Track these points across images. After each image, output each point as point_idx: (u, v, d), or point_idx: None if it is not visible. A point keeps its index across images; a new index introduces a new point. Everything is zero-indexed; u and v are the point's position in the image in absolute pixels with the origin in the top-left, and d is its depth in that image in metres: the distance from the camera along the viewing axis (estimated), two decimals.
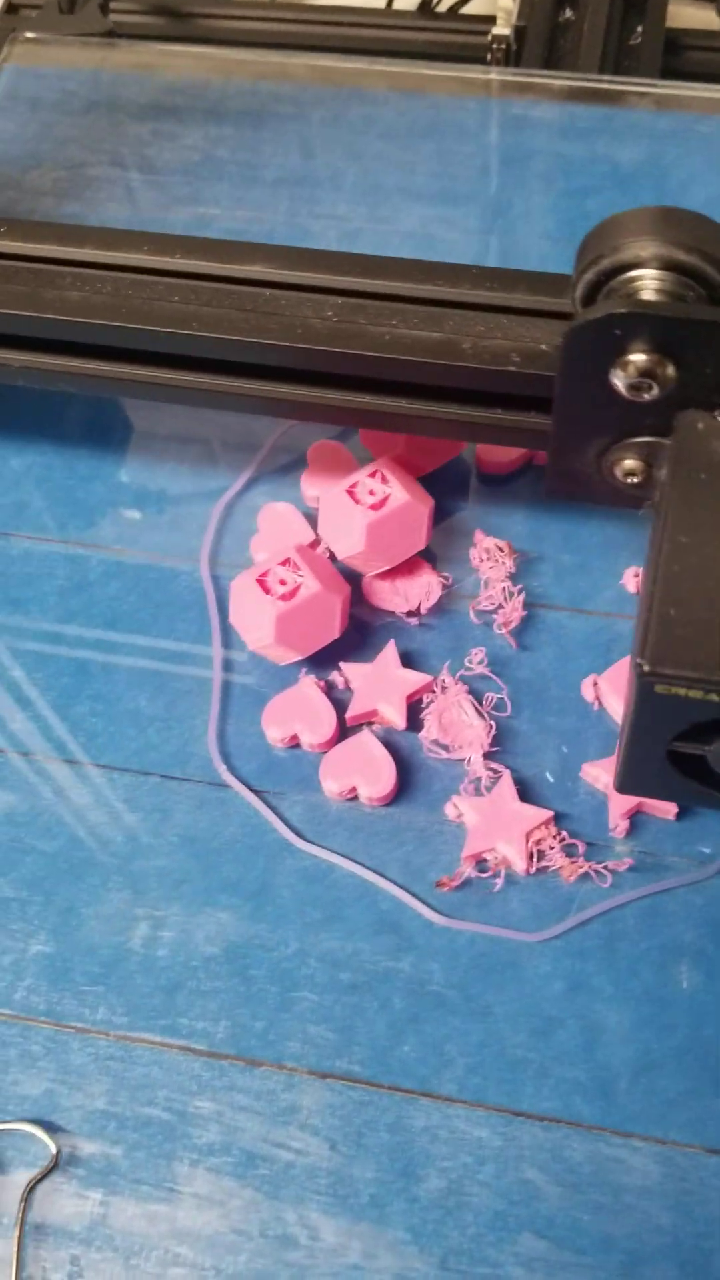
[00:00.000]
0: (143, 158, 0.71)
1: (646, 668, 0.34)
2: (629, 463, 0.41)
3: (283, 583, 0.49)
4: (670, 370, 0.37)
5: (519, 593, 0.53)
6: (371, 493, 0.51)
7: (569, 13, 0.80)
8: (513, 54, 0.77)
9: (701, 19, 0.85)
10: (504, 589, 0.53)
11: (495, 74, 0.72)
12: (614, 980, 0.45)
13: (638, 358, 0.37)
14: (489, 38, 0.77)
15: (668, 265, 0.38)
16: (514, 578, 0.53)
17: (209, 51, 0.77)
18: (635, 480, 0.41)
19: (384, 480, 0.51)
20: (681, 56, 0.79)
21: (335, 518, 0.51)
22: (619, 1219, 0.41)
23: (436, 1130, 0.43)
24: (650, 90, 0.70)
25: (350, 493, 0.51)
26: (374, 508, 0.50)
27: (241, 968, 0.46)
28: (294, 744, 0.50)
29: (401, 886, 0.47)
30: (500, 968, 0.45)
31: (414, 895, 0.47)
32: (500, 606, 0.52)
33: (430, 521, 0.52)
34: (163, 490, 0.58)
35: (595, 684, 0.50)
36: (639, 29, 0.80)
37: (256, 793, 0.49)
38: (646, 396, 0.38)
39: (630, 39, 0.79)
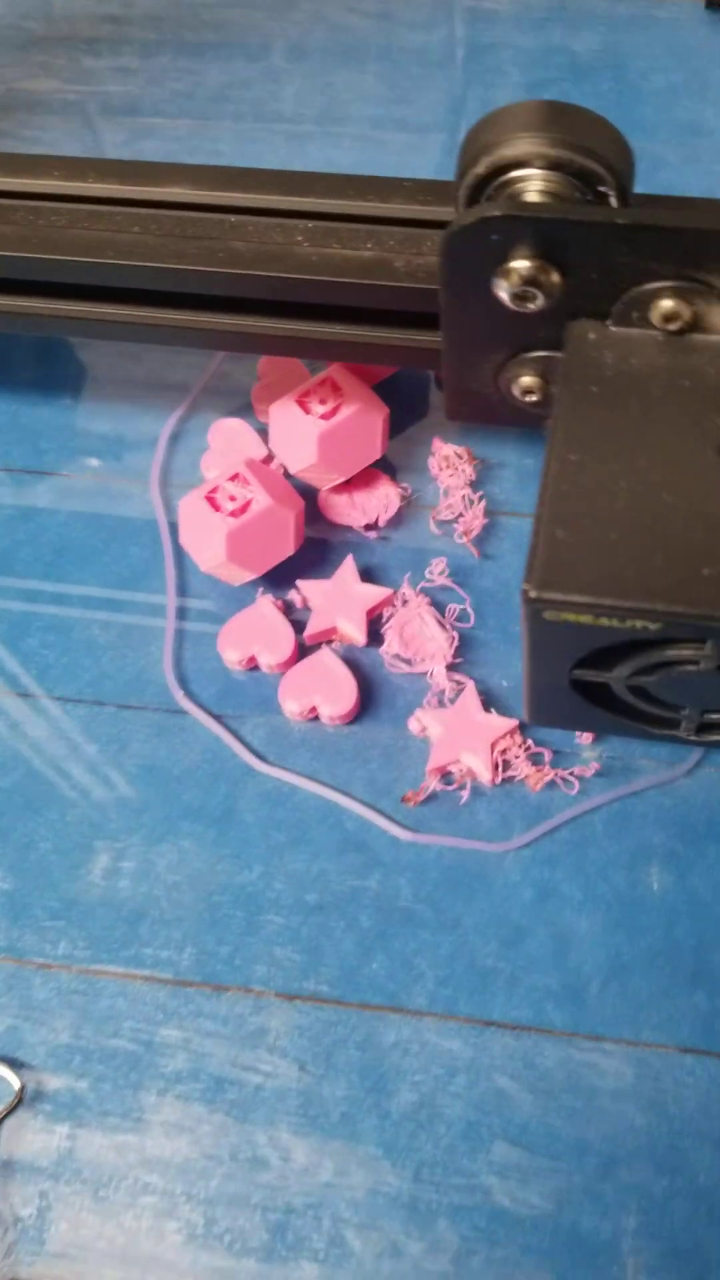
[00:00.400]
0: (79, 69, 0.69)
1: (533, 594, 0.33)
2: (526, 379, 0.40)
3: (232, 499, 0.48)
4: (555, 277, 0.36)
5: (480, 500, 0.52)
6: (322, 401, 0.50)
7: None
8: None
9: None
10: (464, 497, 0.52)
11: None
12: (583, 886, 0.45)
13: (520, 264, 0.36)
14: None
15: (553, 165, 0.37)
16: (474, 485, 0.53)
17: None
18: (534, 398, 0.40)
19: (335, 389, 0.50)
20: None
21: (286, 430, 0.50)
22: (593, 1122, 0.41)
23: (407, 1045, 0.43)
24: None
25: (301, 403, 0.50)
26: (325, 417, 0.50)
27: (205, 894, 0.46)
28: (253, 666, 0.49)
29: (367, 804, 0.47)
30: (469, 879, 0.45)
31: (380, 812, 0.46)
32: (461, 515, 0.52)
33: (385, 430, 0.51)
34: (111, 410, 0.57)
35: None
36: None
37: (216, 717, 0.49)
38: (532, 306, 0.37)
39: None
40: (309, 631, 0.49)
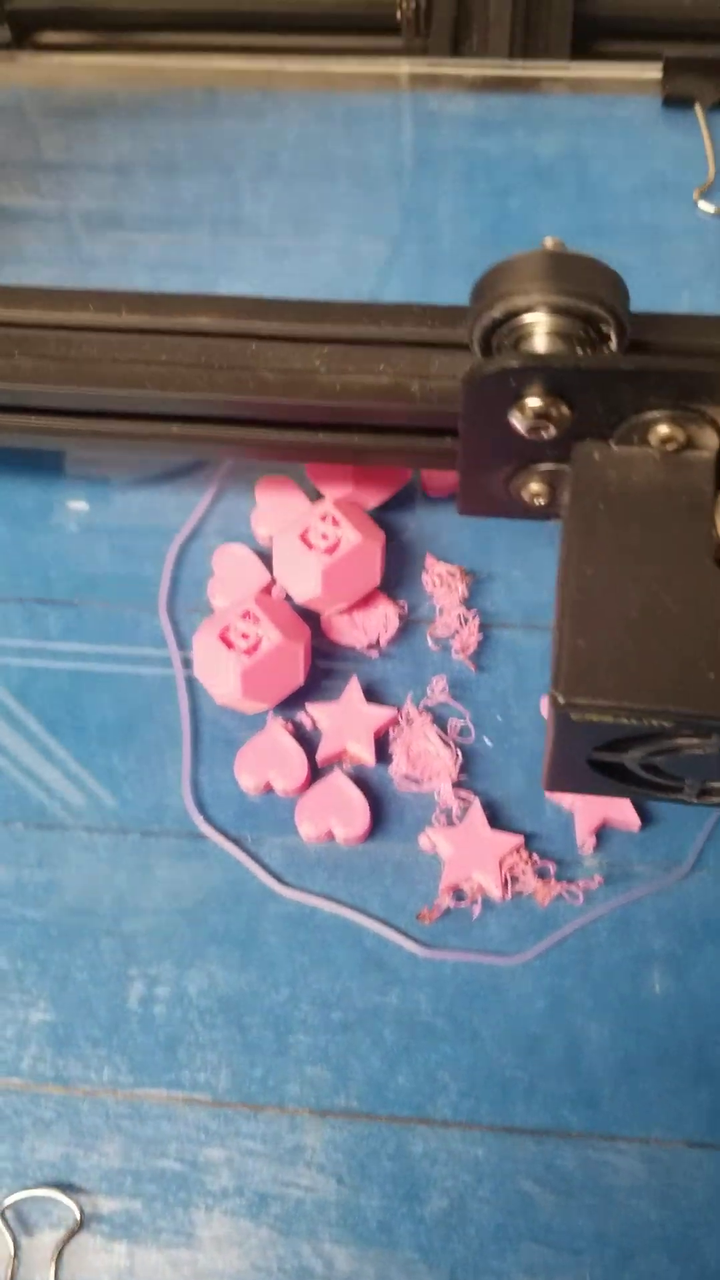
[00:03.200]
0: (58, 182, 0.74)
1: (562, 700, 0.38)
2: (534, 486, 0.46)
3: (245, 636, 0.53)
4: (564, 410, 0.42)
5: (474, 617, 0.58)
6: (324, 536, 0.55)
7: None
8: (421, 13, 0.80)
9: None
10: (459, 615, 0.57)
11: (404, 67, 0.76)
12: (592, 993, 0.50)
13: (533, 402, 0.42)
14: None
15: (557, 310, 0.43)
16: (468, 600, 0.58)
17: (116, 61, 0.80)
18: (542, 501, 0.46)
19: (335, 523, 0.55)
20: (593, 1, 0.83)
21: (290, 563, 0.56)
22: (611, 1217, 0.47)
23: (435, 1153, 0.48)
24: (563, 74, 0.74)
25: (303, 538, 0.55)
26: (328, 551, 0.55)
27: (236, 1017, 0.51)
28: (268, 789, 0.54)
29: (384, 921, 0.52)
30: (484, 992, 0.51)
31: (396, 929, 0.52)
32: (456, 633, 0.57)
33: (383, 556, 0.57)
34: (115, 537, 0.62)
35: None
36: None
37: (235, 841, 0.54)
38: (544, 435, 0.43)
39: None
40: (320, 754, 0.55)
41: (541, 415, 0.42)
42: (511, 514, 0.48)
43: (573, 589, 0.39)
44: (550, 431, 0.43)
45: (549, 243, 0.44)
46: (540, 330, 0.44)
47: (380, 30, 0.82)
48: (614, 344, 0.45)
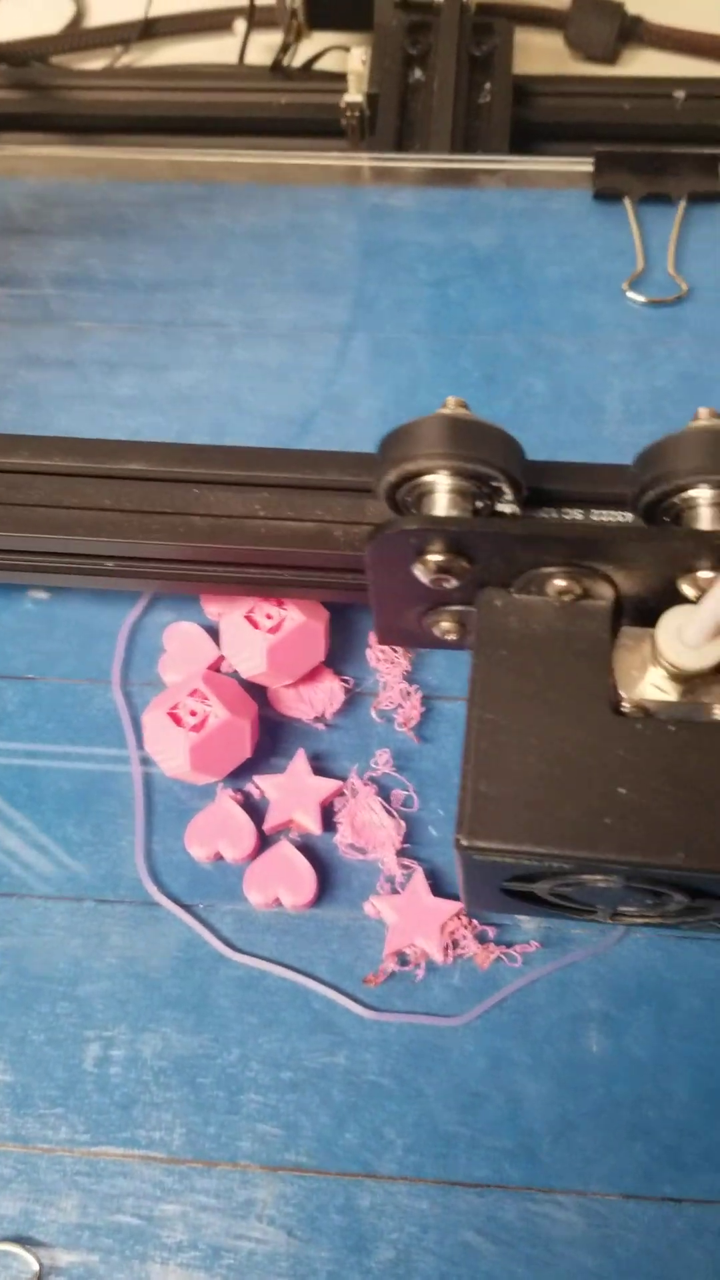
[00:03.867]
0: (11, 271, 0.78)
1: (464, 842, 0.41)
2: (445, 624, 0.49)
3: (193, 713, 0.56)
4: (464, 564, 0.45)
5: (415, 691, 0.61)
6: (269, 616, 0.58)
7: (419, 73, 0.88)
8: (366, 120, 0.85)
9: (546, 46, 0.94)
10: (401, 690, 0.61)
11: (349, 160, 0.80)
12: (531, 1052, 0.53)
13: (434, 557, 0.45)
14: (342, 104, 0.85)
15: (456, 473, 0.46)
16: (411, 675, 0.61)
17: (65, 153, 0.84)
18: (453, 637, 0.50)
19: (280, 604, 0.59)
20: (532, 105, 0.88)
21: (237, 641, 0.59)
22: (550, 1267, 0.50)
23: (382, 1206, 0.51)
24: (500, 167, 0.79)
25: (249, 618, 0.58)
26: (272, 630, 0.58)
27: (190, 1077, 0.53)
28: (219, 858, 0.57)
29: (331, 985, 0.55)
30: (428, 1052, 0.53)
31: (343, 993, 0.54)
32: (399, 706, 0.61)
33: (327, 633, 0.60)
34: (69, 614, 0.65)
35: None
36: (487, 86, 0.88)
37: (186, 908, 0.57)
38: (446, 585, 0.46)
39: (479, 96, 0.88)
40: (268, 824, 0.58)
41: (443, 569, 0.45)
42: (427, 645, 0.52)
43: (475, 734, 0.42)
44: (451, 583, 0.46)
45: (451, 402, 0.47)
46: (441, 489, 0.47)
47: (327, 134, 0.87)
48: (510, 501, 0.48)
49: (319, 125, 0.88)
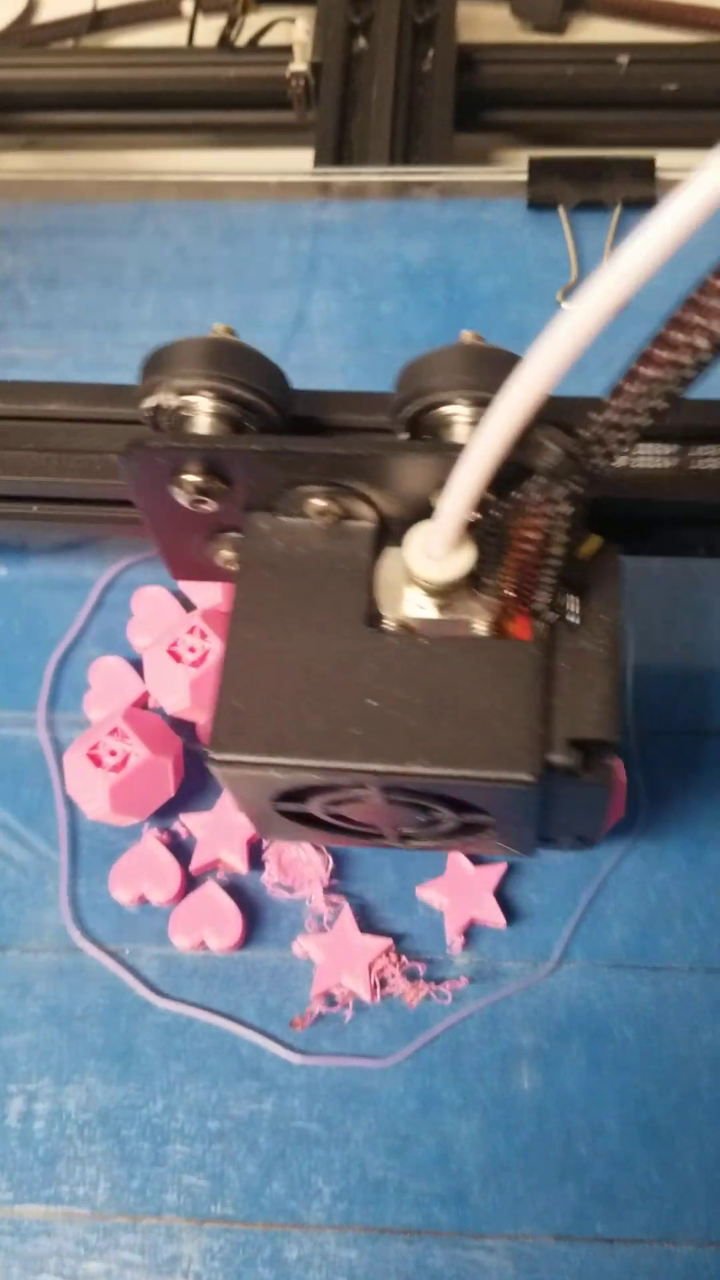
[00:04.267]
0: None
1: (214, 755, 0.41)
2: (225, 553, 0.48)
3: (112, 753, 0.55)
4: (221, 485, 0.44)
5: None
6: (192, 649, 0.57)
7: (362, 42, 0.88)
8: (311, 89, 0.87)
9: (492, 18, 0.93)
10: None
11: (281, 176, 0.79)
12: (461, 1091, 0.52)
13: (190, 478, 0.44)
14: (287, 74, 0.86)
15: (218, 395, 0.46)
16: None
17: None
18: (235, 567, 0.48)
19: (203, 635, 0.57)
20: (476, 72, 0.88)
21: (160, 676, 0.58)
22: None
23: (310, 1257, 0.50)
24: (434, 178, 0.77)
25: (171, 651, 0.57)
26: (195, 664, 0.57)
27: (114, 1129, 0.52)
28: (144, 901, 0.56)
29: (259, 1030, 0.54)
30: (357, 1094, 0.52)
31: (271, 1037, 0.53)
32: None
33: None
34: None
35: None
36: (430, 53, 0.88)
37: (112, 954, 0.56)
38: (207, 508, 0.45)
39: (423, 65, 0.88)
40: (194, 864, 0.57)
41: (202, 490, 0.44)
42: (216, 579, 0.51)
43: (232, 653, 0.42)
44: (211, 505, 0.45)
45: (218, 329, 0.47)
46: (202, 411, 0.46)
47: (274, 105, 0.89)
48: (274, 426, 0.48)
49: (266, 98, 0.89)
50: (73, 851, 0.58)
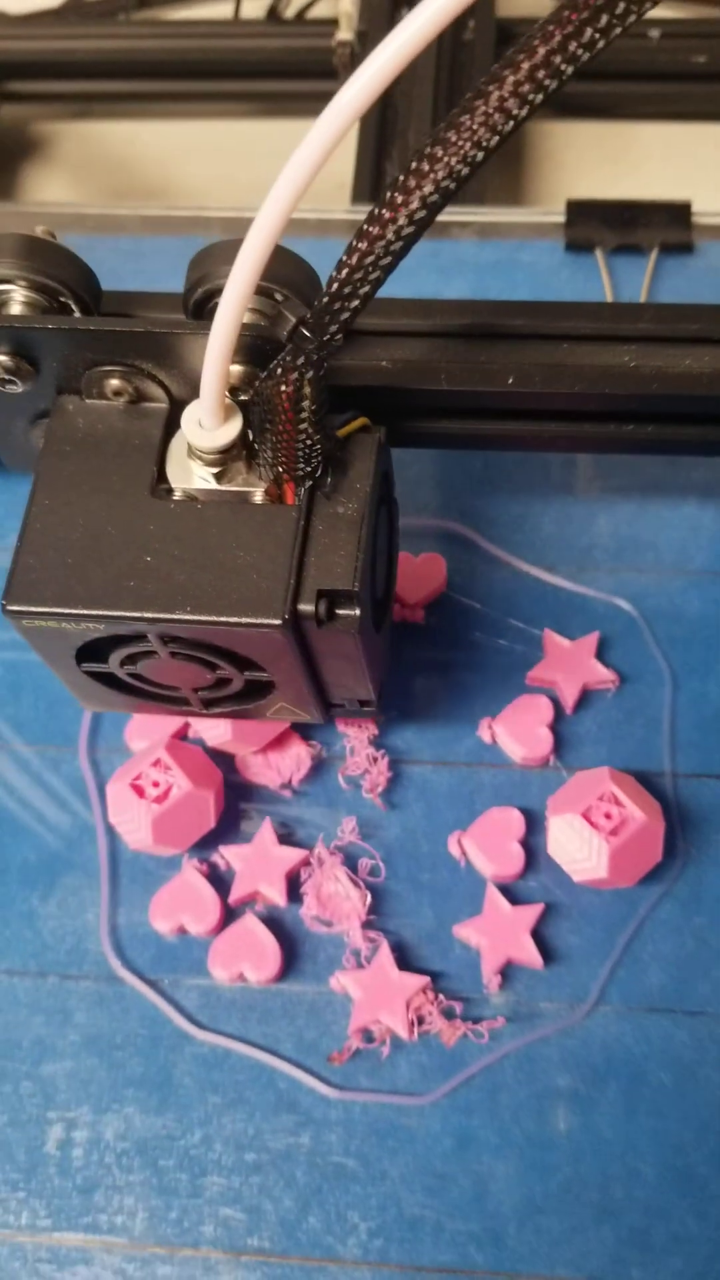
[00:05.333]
0: None
1: (9, 607, 0.45)
2: (37, 434, 0.52)
3: (155, 785, 0.55)
4: (29, 367, 0.49)
5: (383, 756, 0.60)
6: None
7: (405, 11, 0.88)
8: (357, 57, 0.88)
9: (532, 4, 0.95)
10: (368, 755, 0.60)
11: (318, 214, 0.79)
12: (498, 1131, 0.52)
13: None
14: (334, 43, 0.88)
15: (30, 285, 0.50)
16: (379, 739, 0.60)
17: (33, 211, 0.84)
18: (42, 443, 0.51)
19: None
20: (514, 44, 0.87)
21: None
22: None
23: None
24: (473, 218, 0.78)
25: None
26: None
27: (152, 1159, 0.52)
28: (183, 931, 0.56)
29: (295, 1063, 0.54)
30: (394, 1131, 0.52)
31: (308, 1071, 0.53)
32: (366, 772, 0.59)
33: None
34: (38, 677, 0.64)
35: (459, 841, 0.57)
36: (470, 24, 0.90)
37: (151, 983, 0.56)
38: (17, 389, 0.50)
39: (464, 34, 0.90)
40: (233, 896, 0.57)
41: (10, 371, 0.49)
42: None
43: (31, 515, 0.47)
44: (18, 386, 0.50)
45: (39, 229, 0.51)
46: (16, 301, 0.50)
47: (320, 75, 0.92)
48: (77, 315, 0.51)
49: (313, 67, 0.91)
50: (113, 880, 0.58)
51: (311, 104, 0.93)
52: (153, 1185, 0.52)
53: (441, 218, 0.77)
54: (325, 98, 0.37)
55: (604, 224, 0.77)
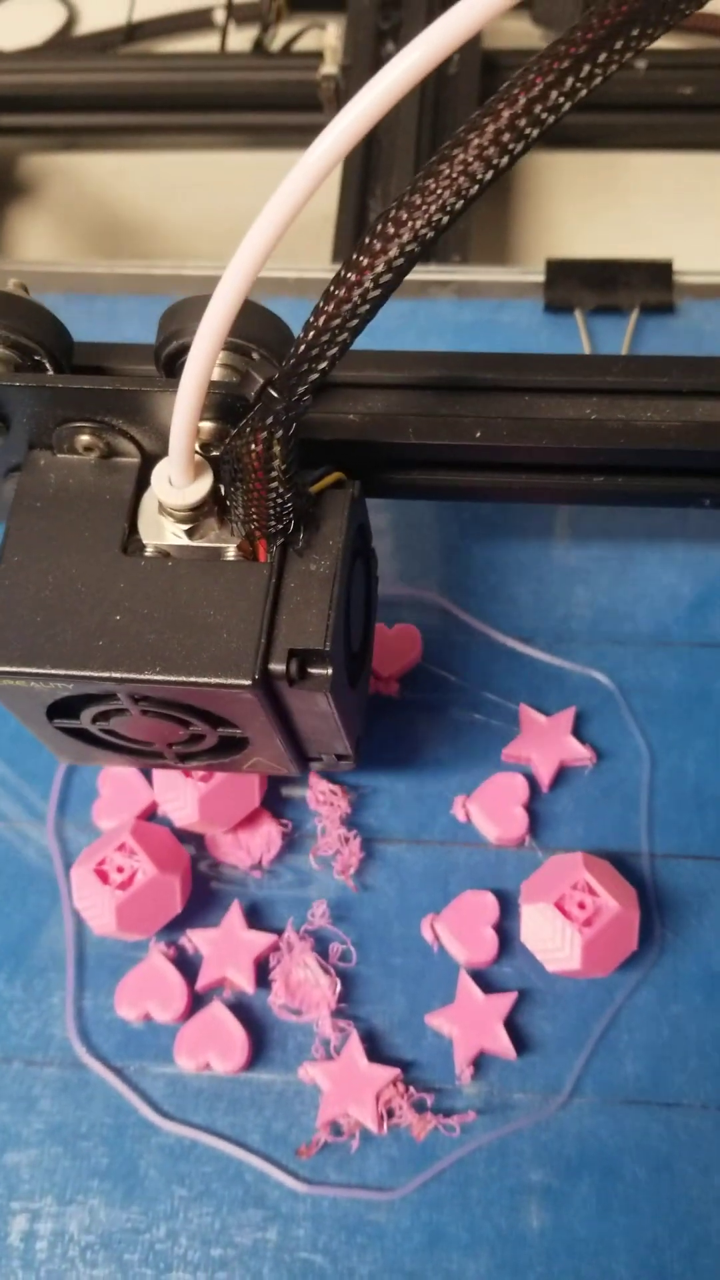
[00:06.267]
0: None
1: None
2: (9, 488, 0.51)
3: (120, 870, 0.54)
4: (2, 424, 0.48)
5: (355, 836, 0.59)
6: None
7: (390, 46, 0.90)
8: (341, 92, 0.88)
9: (515, 29, 0.94)
10: (340, 835, 0.58)
11: (297, 272, 0.78)
12: (469, 1228, 0.51)
13: None
14: (319, 76, 0.88)
15: (3, 342, 0.49)
16: (351, 816, 0.59)
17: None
18: (13, 499, 0.50)
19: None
20: (500, 77, 0.88)
21: (168, 788, 0.57)
22: None
23: None
24: (451, 278, 0.77)
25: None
26: (204, 779, 0.56)
27: (117, 1254, 0.51)
28: (149, 1018, 0.55)
29: (264, 1155, 0.52)
30: (363, 1227, 0.51)
31: (276, 1164, 0.52)
32: (338, 852, 0.58)
33: (263, 778, 0.58)
34: (6, 751, 0.63)
35: (432, 925, 0.56)
36: (455, 58, 0.89)
37: (116, 1071, 0.54)
38: None
39: (449, 68, 0.89)
40: (200, 982, 0.55)
41: None
42: None
43: (2, 574, 0.46)
44: None
45: (11, 284, 0.50)
46: None
47: (305, 108, 0.91)
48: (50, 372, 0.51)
49: (298, 100, 0.91)
50: (79, 963, 0.57)
51: (297, 136, 0.93)
52: None
53: (420, 277, 0.76)
54: (311, 130, 0.36)
55: (583, 284, 0.76)
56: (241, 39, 0.98)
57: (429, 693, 0.63)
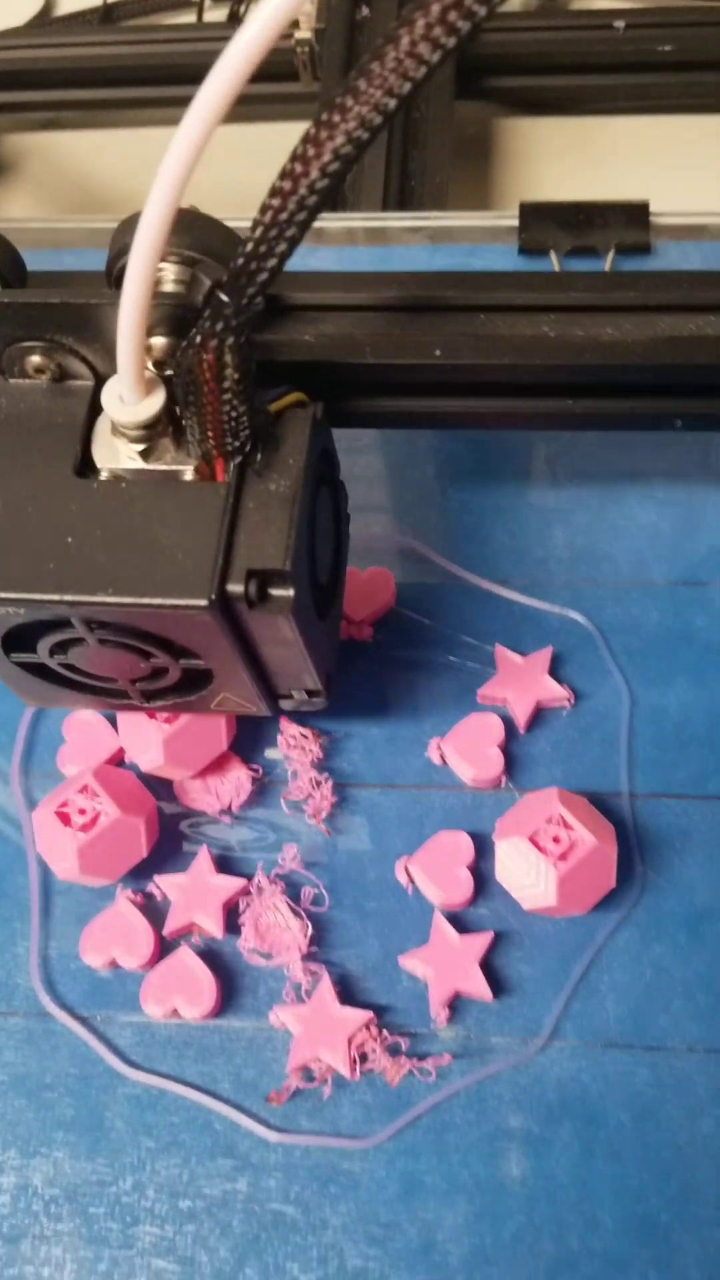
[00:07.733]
0: None
1: None
2: None
3: (82, 812, 0.52)
4: None
5: (327, 780, 0.56)
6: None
7: (365, 10, 0.89)
8: (316, 56, 0.87)
9: None
10: (311, 779, 0.56)
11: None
12: (446, 1176, 0.49)
13: None
14: (292, 42, 0.86)
15: None
16: (323, 760, 0.57)
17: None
18: None
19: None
20: (475, 39, 0.86)
21: (133, 733, 0.54)
22: None
23: None
24: (424, 224, 0.75)
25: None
26: (169, 720, 0.54)
27: (82, 1207, 0.49)
28: (116, 965, 0.53)
29: (234, 1104, 0.50)
30: (335, 1176, 0.49)
31: (246, 1113, 0.50)
32: (310, 796, 0.56)
33: (231, 719, 0.55)
34: None
35: (406, 868, 0.54)
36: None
37: (82, 1020, 0.52)
38: None
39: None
40: (168, 928, 0.53)
41: None
42: None
43: None
44: None
45: None
46: None
47: (282, 77, 0.90)
48: None
49: (274, 68, 0.87)
50: (45, 912, 0.55)
51: (276, 105, 0.91)
52: (82, 1235, 0.48)
53: (393, 224, 0.74)
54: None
55: (559, 226, 0.74)
56: (216, 15, 0.98)
57: (402, 637, 0.60)
